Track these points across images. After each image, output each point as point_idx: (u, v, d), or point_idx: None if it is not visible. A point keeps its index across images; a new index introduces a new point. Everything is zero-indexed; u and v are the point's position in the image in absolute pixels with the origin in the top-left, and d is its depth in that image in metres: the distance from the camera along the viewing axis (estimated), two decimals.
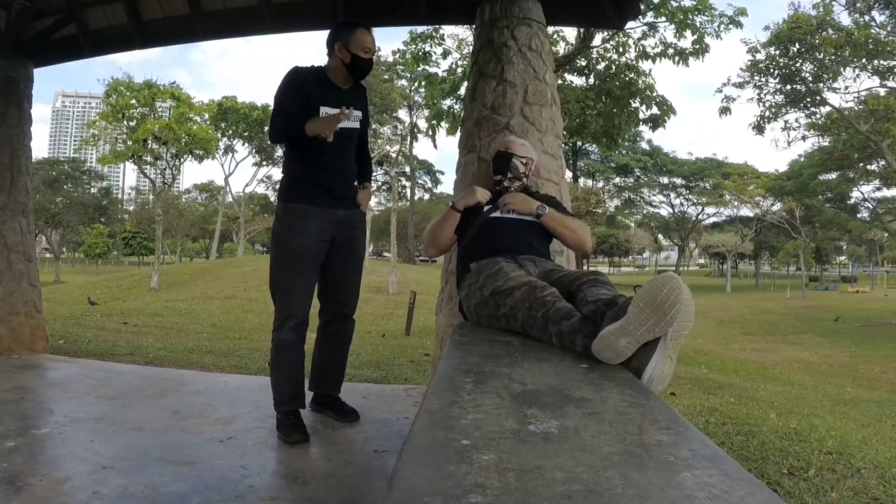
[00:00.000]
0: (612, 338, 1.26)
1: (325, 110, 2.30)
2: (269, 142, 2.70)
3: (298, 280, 2.37)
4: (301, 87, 2.31)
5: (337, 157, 2.40)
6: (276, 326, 2.38)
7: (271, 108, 2.41)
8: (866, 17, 14.56)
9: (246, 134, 26.15)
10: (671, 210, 44.36)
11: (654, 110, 7.45)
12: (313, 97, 2.31)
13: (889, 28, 14.39)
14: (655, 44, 7.21)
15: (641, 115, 7.61)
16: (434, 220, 2.43)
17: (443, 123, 7.98)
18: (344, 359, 2.67)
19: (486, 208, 2.24)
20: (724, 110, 11.74)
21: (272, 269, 2.41)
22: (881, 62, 14.30)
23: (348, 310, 2.58)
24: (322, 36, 2.45)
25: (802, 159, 29.24)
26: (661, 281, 1.23)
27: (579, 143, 30.04)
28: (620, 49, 7.54)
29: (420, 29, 7.71)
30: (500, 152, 2.42)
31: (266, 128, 3.45)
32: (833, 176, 27.69)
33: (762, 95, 16.11)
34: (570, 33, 7.94)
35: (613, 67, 7.58)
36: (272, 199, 39.95)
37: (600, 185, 39.08)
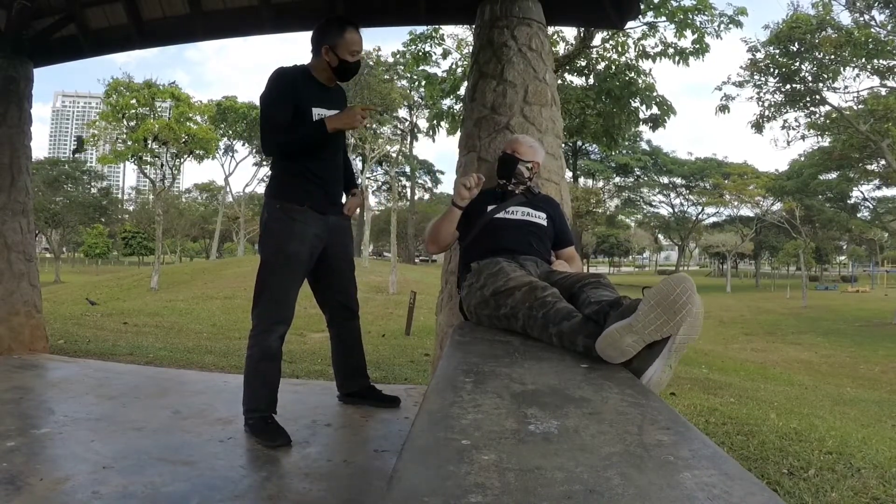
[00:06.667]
0: (619, 335, 1.24)
1: (317, 112, 2.25)
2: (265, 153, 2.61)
3: (293, 286, 2.32)
4: (291, 91, 2.22)
5: (331, 156, 2.36)
6: (261, 331, 2.31)
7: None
8: (866, 17, 14.58)
9: (246, 134, 26.15)
10: (671, 210, 44.41)
11: (654, 110, 7.46)
12: (304, 99, 2.25)
13: (889, 27, 14.39)
14: (655, 44, 7.23)
15: (641, 115, 7.62)
16: (435, 218, 2.40)
17: (443, 123, 7.98)
18: (363, 349, 2.71)
19: (489, 209, 2.23)
20: (723, 108, 11.77)
21: (265, 270, 2.32)
22: (881, 62, 14.32)
23: (356, 308, 2.65)
24: None
25: (802, 159, 29.25)
26: (674, 281, 1.22)
27: (579, 143, 30.05)
28: (620, 49, 7.55)
29: (420, 29, 7.72)
30: (506, 155, 2.30)
31: None
32: (833, 176, 27.70)
33: (762, 95, 16.15)
34: (570, 33, 7.96)
35: (613, 67, 7.58)
36: None
37: (600, 184, 39.10)
